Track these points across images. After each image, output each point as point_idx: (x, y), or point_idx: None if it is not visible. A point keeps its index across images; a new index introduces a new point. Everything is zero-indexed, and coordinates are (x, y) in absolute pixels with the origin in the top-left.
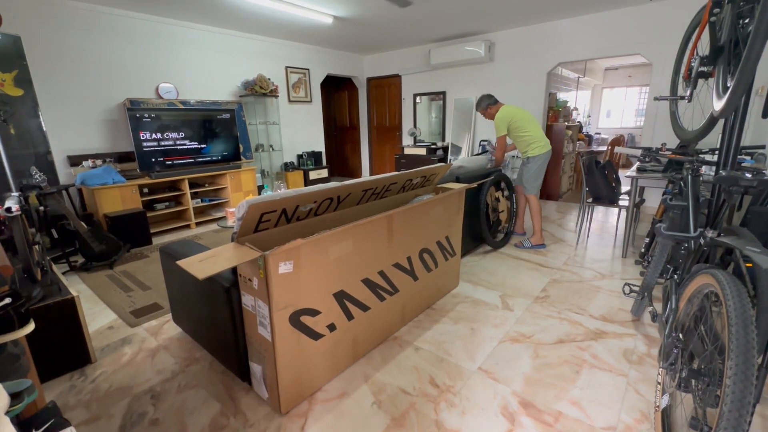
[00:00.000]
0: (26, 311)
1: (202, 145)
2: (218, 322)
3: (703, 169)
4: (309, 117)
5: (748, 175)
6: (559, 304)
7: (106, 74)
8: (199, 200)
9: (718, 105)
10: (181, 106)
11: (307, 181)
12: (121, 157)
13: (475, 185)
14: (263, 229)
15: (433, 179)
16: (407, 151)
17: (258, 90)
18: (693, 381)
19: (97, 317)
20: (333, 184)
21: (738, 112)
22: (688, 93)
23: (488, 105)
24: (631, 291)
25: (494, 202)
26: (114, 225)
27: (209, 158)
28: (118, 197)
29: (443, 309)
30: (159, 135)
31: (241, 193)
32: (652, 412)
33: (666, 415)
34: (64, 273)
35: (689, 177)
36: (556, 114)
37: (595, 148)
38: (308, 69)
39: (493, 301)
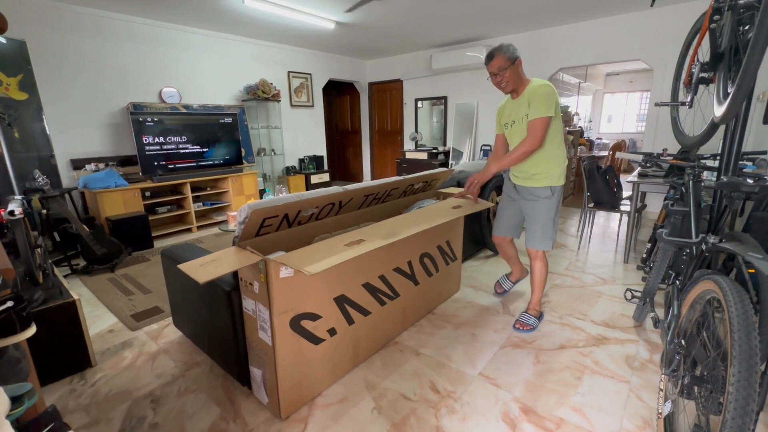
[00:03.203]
0: (28, 314)
1: (205, 149)
2: (219, 326)
3: (705, 174)
4: (311, 121)
5: (750, 181)
6: (561, 309)
7: (110, 78)
8: (201, 204)
9: (719, 111)
10: (184, 111)
11: (309, 185)
12: (124, 161)
13: None
14: (265, 233)
15: (435, 184)
16: (409, 155)
17: (260, 94)
18: (696, 388)
19: (98, 320)
20: (335, 188)
21: (739, 118)
22: (689, 99)
23: (519, 60)
24: (633, 296)
25: (495, 207)
26: (116, 228)
27: (211, 162)
28: (121, 201)
29: (444, 314)
30: (161, 139)
31: (243, 196)
32: (655, 419)
33: (668, 422)
34: (65, 276)
35: (691, 182)
36: None
37: (596, 153)
38: (310, 74)
39: (494, 306)
